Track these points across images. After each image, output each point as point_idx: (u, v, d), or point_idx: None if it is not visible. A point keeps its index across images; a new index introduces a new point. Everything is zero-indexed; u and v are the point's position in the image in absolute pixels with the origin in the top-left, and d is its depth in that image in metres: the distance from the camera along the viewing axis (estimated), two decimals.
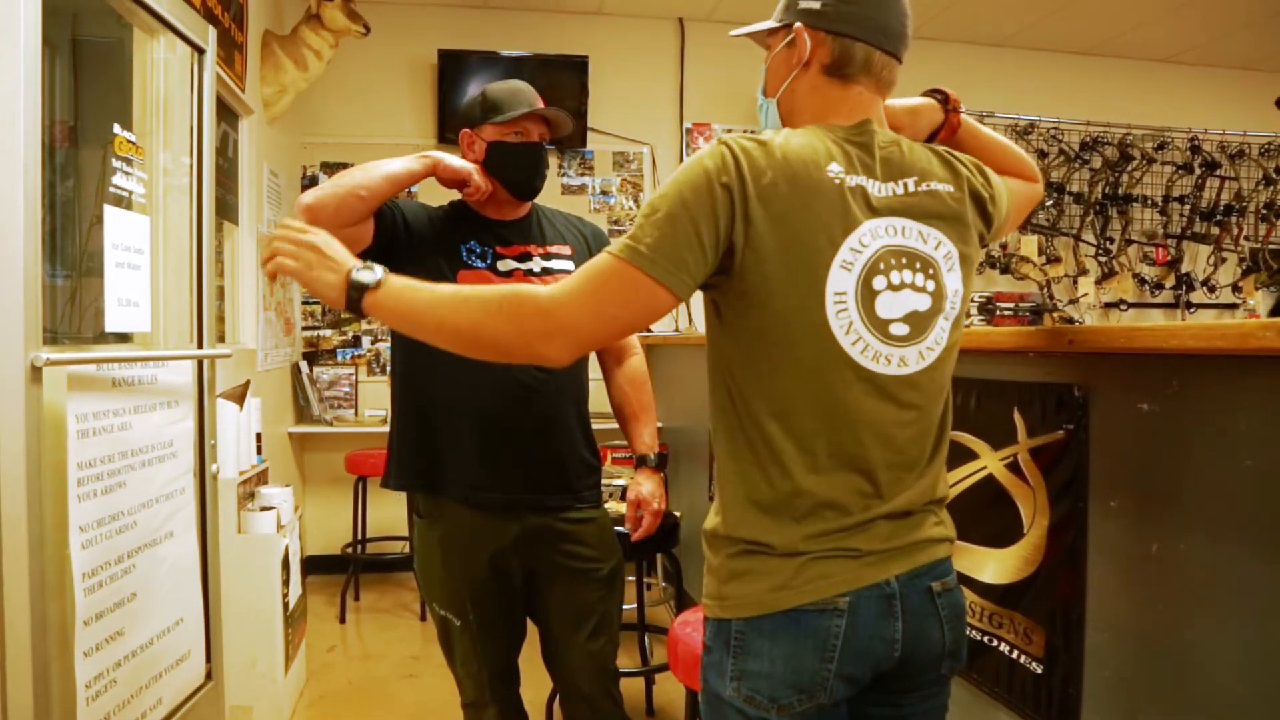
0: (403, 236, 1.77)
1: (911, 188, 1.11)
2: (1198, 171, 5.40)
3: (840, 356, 1.04)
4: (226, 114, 3.50)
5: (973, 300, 5.04)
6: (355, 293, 1.09)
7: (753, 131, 1.09)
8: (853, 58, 1.11)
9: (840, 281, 1.03)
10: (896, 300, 1.07)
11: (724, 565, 1.09)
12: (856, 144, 1.10)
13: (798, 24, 1.13)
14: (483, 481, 1.78)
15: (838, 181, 1.05)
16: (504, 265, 1.82)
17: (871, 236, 1.06)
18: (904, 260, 1.08)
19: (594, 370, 1.94)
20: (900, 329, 1.07)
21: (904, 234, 1.09)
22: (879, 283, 1.06)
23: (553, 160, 4.82)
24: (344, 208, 1.63)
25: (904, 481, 1.10)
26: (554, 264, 1.86)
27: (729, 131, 5.06)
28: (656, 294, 1.01)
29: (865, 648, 1.06)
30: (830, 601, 1.05)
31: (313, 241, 1.14)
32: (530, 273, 1.83)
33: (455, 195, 1.91)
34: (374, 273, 1.10)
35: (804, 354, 1.03)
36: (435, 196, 1.94)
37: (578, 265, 1.85)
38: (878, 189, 1.09)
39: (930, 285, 1.10)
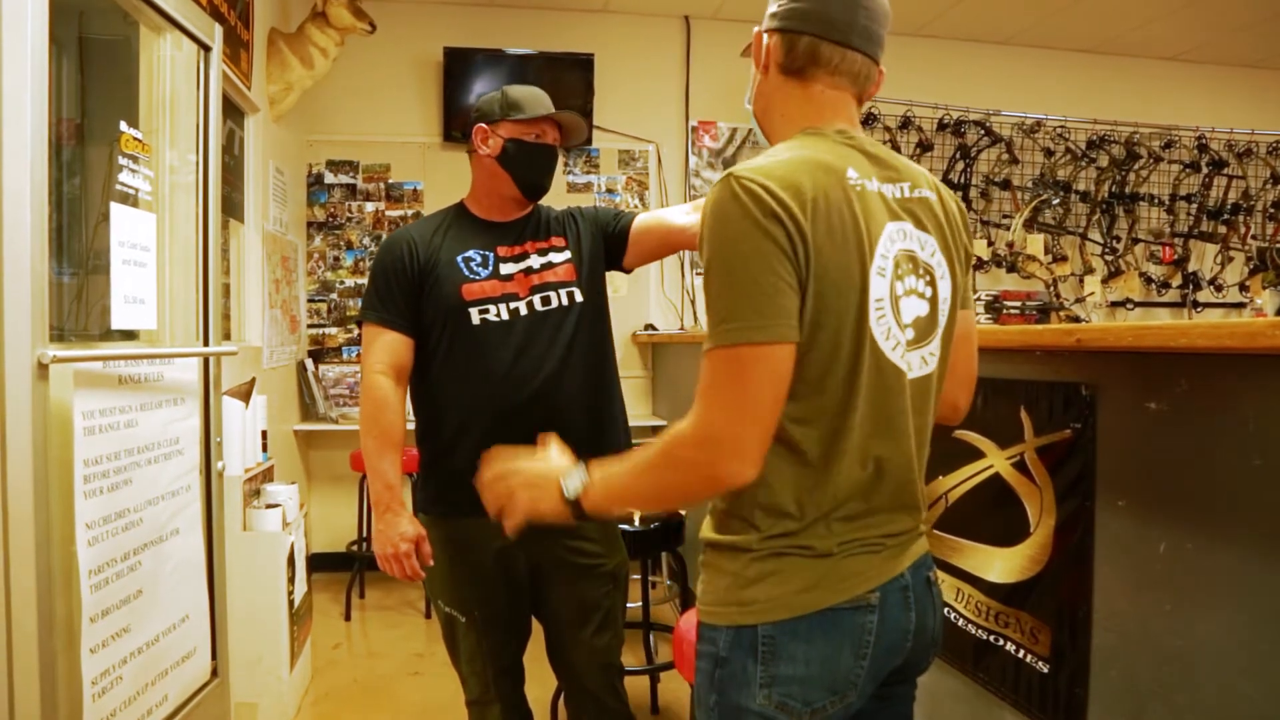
0: (421, 301, 1.82)
1: (908, 192, 1.11)
2: (1205, 170, 5.38)
3: (885, 363, 1.03)
4: (232, 112, 3.51)
5: (979, 299, 5.04)
6: (575, 508, 1.09)
7: (754, 141, 1.08)
8: (797, 50, 1.11)
9: (879, 288, 1.02)
10: (909, 305, 1.07)
11: (747, 569, 1.04)
12: (851, 147, 1.09)
13: (756, 29, 1.17)
14: (468, 505, 1.79)
15: (859, 188, 1.03)
16: (506, 269, 1.83)
17: (890, 241, 1.05)
18: (911, 264, 1.07)
19: (623, 369, 1.93)
20: (910, 333, 1.07)
21: (909, 238, 1.08)
22: (899, 287, 1.05)
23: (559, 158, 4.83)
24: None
25: (916, 482, 1.12)
26: (552, 256, 1.87)
27: (734, 130, 5.06)
28: (776, 354, 0.95)
29: (891, 642, 1.07)
30: (863, 598, 1.04)
31: (509, 479, 1.15)
32: (530, 270, 1.83)
33: (458, 199, 1.94)
34: (574, 480, 1.09)
35: (857, 362, 1.01)
36: (441, 202, 1.96)
37: (573, 255, 1.87)
38: (890, 191, 1.08)
39: (929, 292, 1.10)
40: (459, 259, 1.81)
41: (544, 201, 1.96)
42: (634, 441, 2.00)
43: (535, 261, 1.85)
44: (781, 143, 1.11)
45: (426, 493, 1.86)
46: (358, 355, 4.77)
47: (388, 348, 1.80)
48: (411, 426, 1.88)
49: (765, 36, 1.15)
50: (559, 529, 1.83)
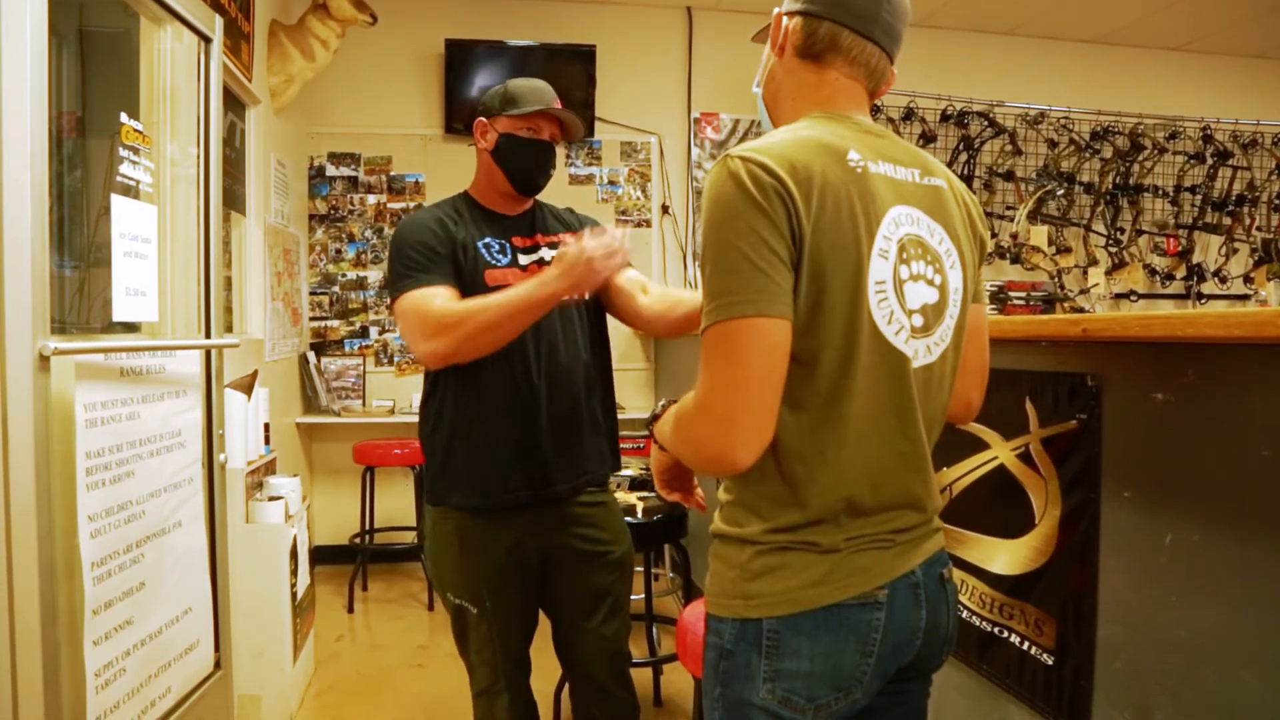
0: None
1: (918, 178, 1.10)
2: (1209, 161, 5.36)
3: (888, 347, 1.02)
4: (233, 104, 3.50)
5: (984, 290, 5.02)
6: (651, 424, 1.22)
7: (757, 131, 1.08)
8: (817, 35, 1.10)
9: (880, 270, 1.01)
10: (915, 291, 1.05)
11: (752, 562, 1.03)
12: (857, 131, 1.08)
13: (777, 10, 1.16)
14: (497, 489, 1.79)
15: (859, 170, 1.02)
16: (524, 259, 1.84)
17: (895, 224, 1.03)
18: (919, 250, 1.06)
19: (619, 361, 1.93)
20: (918, 320, 1.05)
21: (918, 224, 1.07)
22: (903, 271, 1.03)
23: (560, 150, 4.79)
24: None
25: (926, 472, 1.10)
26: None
27: (736, 121, 5.04)
28: (767, 327, 0.93)
29: (898, 640, 1.05)
30: (870, 595, 1.02)
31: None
32: (543, 262, 1.83)
33: (459, 191, 1.93)
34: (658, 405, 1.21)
35: (855, 346, 0.99)
36: (443, 194, 1.96)
37: None
38: (897, 175, 1.07)
39: (938, 279, 1.08)
40: (480, 244, 1.81)
41: (545, 196, 1.96)
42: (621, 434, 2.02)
43: (547, 254, 1.85)
44: (785, 125, 1.10)
45: (438, 484, 1.86)
46: (360, 348, 4.76)
47: (448, 296, 1.69)
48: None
49: (786, 19, 1.15)
50: (567, 518, 1.85)
